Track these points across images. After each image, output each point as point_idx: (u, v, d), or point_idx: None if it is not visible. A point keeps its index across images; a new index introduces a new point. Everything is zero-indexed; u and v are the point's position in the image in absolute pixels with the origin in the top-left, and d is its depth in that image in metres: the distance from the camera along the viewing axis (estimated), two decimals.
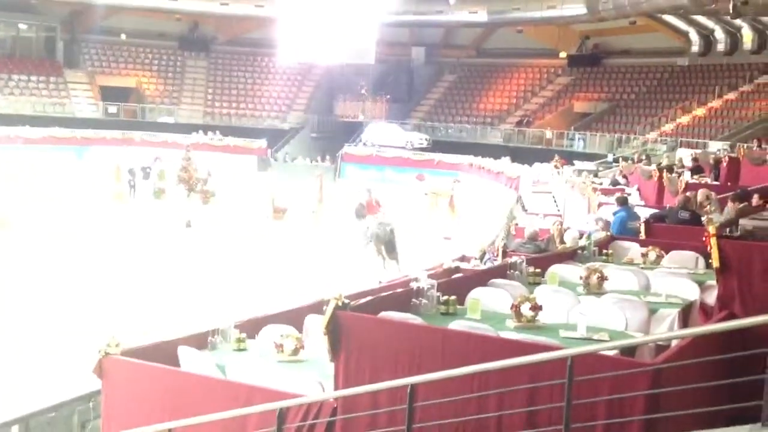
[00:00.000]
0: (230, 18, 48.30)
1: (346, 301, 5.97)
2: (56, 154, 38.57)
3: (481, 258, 12.99)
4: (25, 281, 15.87)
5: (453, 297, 6.96)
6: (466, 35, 49.55)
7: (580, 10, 38.31)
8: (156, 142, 40.40)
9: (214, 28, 51.18)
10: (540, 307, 6.50)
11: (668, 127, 36.47)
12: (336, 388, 5.80)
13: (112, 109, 47.02)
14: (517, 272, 8.17)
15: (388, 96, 48.41)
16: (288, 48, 44.92)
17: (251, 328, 7.45)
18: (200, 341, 6.96)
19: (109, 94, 47.75)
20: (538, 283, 7.95)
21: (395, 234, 18.31)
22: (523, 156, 33.89)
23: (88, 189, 27.70)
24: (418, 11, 44.58)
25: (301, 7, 43.99)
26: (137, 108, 47.99)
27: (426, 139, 42.93)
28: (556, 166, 28.30)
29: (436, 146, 41.86)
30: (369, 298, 6.97)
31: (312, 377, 6.19)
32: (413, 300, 6.82)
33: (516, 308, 6.49)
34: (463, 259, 13.91)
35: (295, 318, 7.75)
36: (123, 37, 50.01)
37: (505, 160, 33.61)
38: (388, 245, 18.23)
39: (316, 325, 7.47)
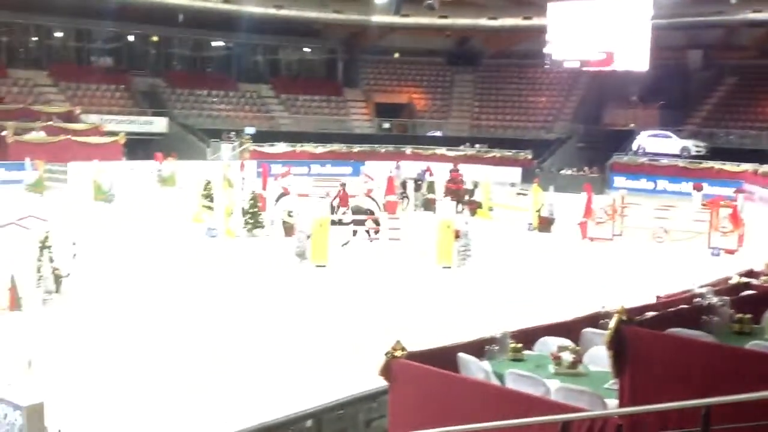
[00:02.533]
0: (498, 31, 48.87)
1: (630, 315, 5.78)
2: (335, 168, 41.38)
3: None
4: (309, 285, 17.13)
5: (748, 315, 6.47)
6: (750, 35, 45.84)
7: None
8: (425, 155, 41.88)
9: (482, 42, 52.03)
10: None
11: None
12: (621, 404, 5.62)
13: (386, 125, 49.53)
14: None
15: (661, 102, 46.12)
16: (556, 57, 44.51)
17: (526, 338, 7.46)
18: (478, 349, 7.09)
19: (382, 111, 50.36)
20: None
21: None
22: None
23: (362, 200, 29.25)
24: (695, 12, 42.06)
25: (571, 16, 43.41)
26: (408, 123, 50.11)
27: (703, 147, 40.32)
28: None
29: (716, 154, 39.16)
30: (652, 313, 6.70)
31: (593, 392, 6.06)
32: (703, 317, 6.43)
33: None
34: (751, 274, 12.86)
35: (569, 330, 7.65)
36: (396, 55, 52.48)
37: None
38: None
39: (595, 338, 7.32)
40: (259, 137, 43.76)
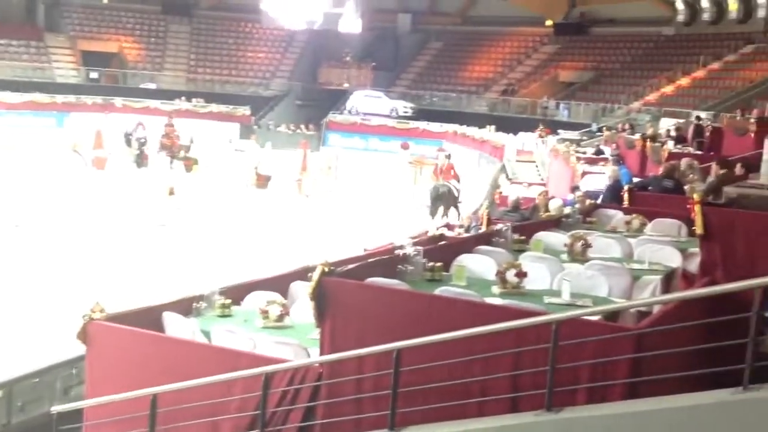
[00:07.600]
0: None
1: (333, 267, 5.96)
2: (37, 120, 38.17)
3: (467, 227, 13.06)
4: (6, 248, 15.77)
5: (439, 264, 6.97)
6: (453, 2, 49.17)
7: None
8: (138, 108, 39.96)
9: None
10: (525, 274, 6.53)
11: (652, 97, 36.48)
12: (322, 353, 5.81)
13: (94, 75, 46.44)
14: (502, 239, 8.18)
15: (374, 63, 48.05)
16: (272, 13, 44.46)
17: (236, 294, 7.45)
18: (185, 307, 6.96)
19: (90, 59, 47.12)
20: (523, 251, 7.97)
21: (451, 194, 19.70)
22: (507, 125, 33.79)
23: (68, 156, 27.35)
24: None
25: None
26: (119, 74, 47.44)
27: (411, 108, 42.74)
28: (540, 135, 28.29)
29: (421, 115, 41.68)
30: (355, 264, 6.97)
31: (297, 343, 6.20)
32: (399, 266, 6.83)
33: (501, 274, 6.51)
34: (448, 227, 14.00)
35: (280, 285, 7.76)
36: (105, 0, 49.30)
37: (490, 129, 33.54)
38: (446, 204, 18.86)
39: (301, 291, 7.49)
40: None
